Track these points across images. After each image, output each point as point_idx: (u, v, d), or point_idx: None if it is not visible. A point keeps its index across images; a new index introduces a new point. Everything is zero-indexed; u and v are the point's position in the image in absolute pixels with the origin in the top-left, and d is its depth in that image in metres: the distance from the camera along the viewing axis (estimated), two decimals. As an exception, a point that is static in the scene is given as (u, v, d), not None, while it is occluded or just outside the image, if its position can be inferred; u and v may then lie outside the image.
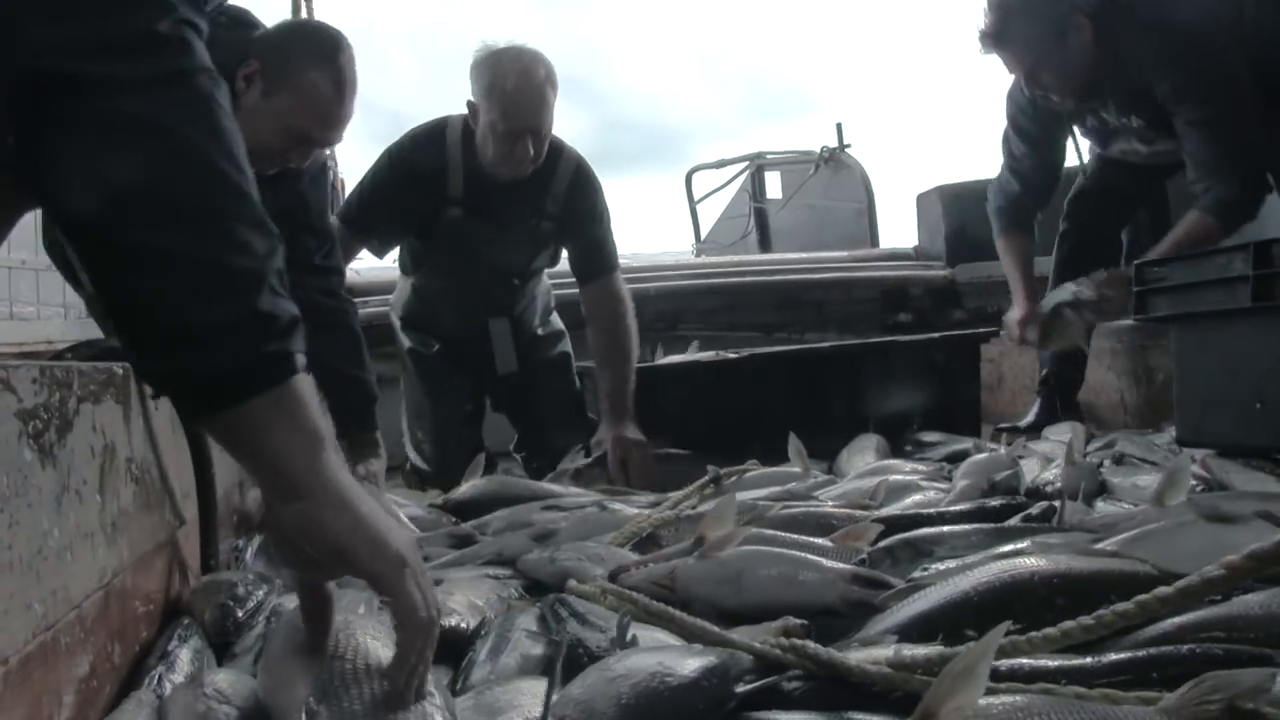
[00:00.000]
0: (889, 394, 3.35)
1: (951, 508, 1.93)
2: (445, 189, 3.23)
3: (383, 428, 2.85)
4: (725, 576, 1.46)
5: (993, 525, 1.71)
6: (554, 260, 3.54)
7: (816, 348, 3.73)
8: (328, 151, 2.79)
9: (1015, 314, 3.33)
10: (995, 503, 1.94)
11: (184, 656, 1.25)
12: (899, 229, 7.24)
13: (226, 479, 1.84)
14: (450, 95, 4.61)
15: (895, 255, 5.96)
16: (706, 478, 2.37)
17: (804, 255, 6.17)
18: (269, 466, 0.99)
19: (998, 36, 3.06)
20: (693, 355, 3.74)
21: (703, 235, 8.98)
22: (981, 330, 3.70)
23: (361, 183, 3.36)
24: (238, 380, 0.95)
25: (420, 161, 3.23)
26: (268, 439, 0.97)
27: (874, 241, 6.87)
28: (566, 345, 3.70)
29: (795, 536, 1.69)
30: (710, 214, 9.00)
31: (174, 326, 0.94)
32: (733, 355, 3.54)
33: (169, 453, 1.47)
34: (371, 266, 4.19)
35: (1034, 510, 1.83)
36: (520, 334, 3.56)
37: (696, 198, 9.03)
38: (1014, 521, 1.77)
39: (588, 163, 3.36)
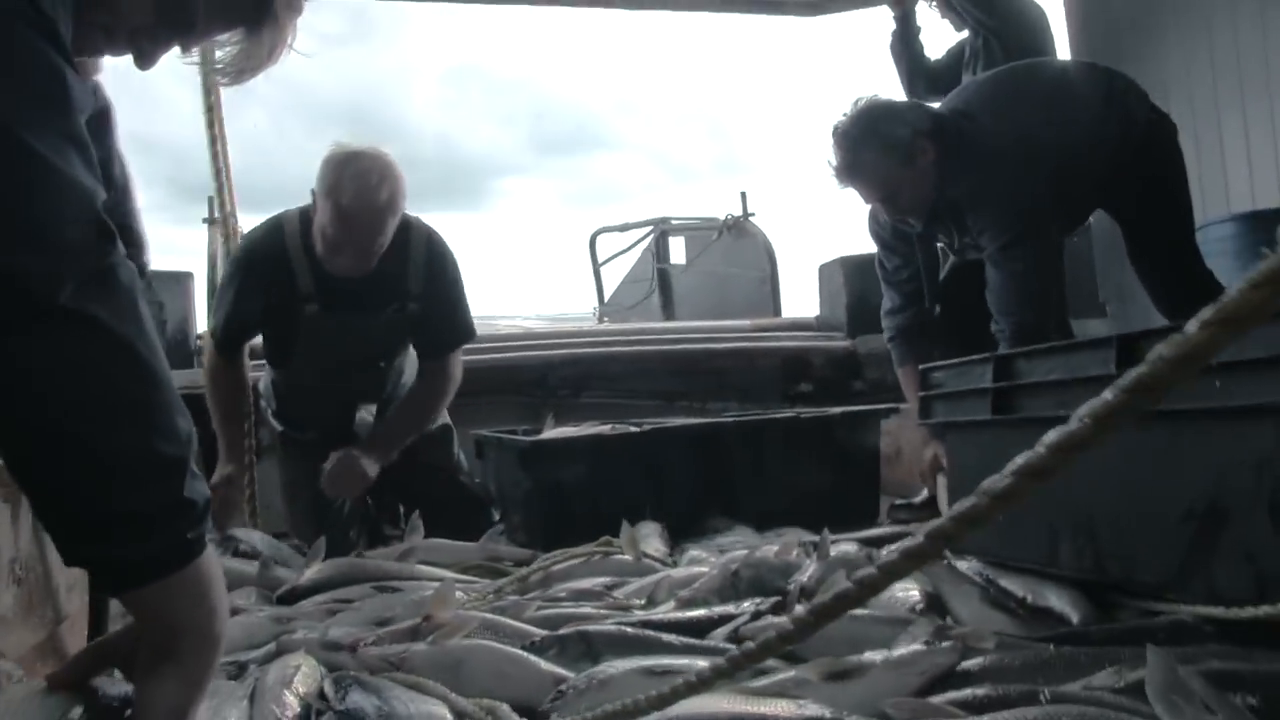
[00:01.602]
0: (790, 468, 3.37)
1: (660, 616, 1.91)
2: (295, 286, 3.17)
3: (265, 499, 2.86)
4: (447, 664, 1.55)
5: (674, 638, 1.70)
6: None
7: (718, 421, 3.74)
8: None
9: (927, 453, 3.36)
10: (714, 611, 1.91)
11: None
12: (801, 298, 7.36)
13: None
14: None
15: (797, 325, 6.04)
16: (525, 571, 2.42)
17: (707, 324, 6.23)
18: (163, 631, 1.04)
19: (850, 170, 3.15)
20: (587, 428, 3.70)
21: (606, 298, 9.03)
22: (882, 406, 3.75)
23: (217, 300, 3.32)
24: (158, 564, 1.01)
25: (263, 264, 3.17)
26: (169, 609, 1.03)
27: (776, 310, 6.98)
28: (445, 417, 3.63)
29: (523, 626, 1.78)
30: (613, 277, 9.08)
31: (103, 514, 0.97)
32: (633, 429, 3.53)
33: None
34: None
35: (741, 622, 1.80)
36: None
37: (600, 260, 9.09)
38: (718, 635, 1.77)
39: (437, 233, 3.35)
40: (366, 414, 3.44)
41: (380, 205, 2.98)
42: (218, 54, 1.41)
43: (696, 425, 3.69)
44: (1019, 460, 0.76)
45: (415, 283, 3.27)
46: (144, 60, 1.30)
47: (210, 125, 3.59)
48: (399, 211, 3.07)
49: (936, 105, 3.41)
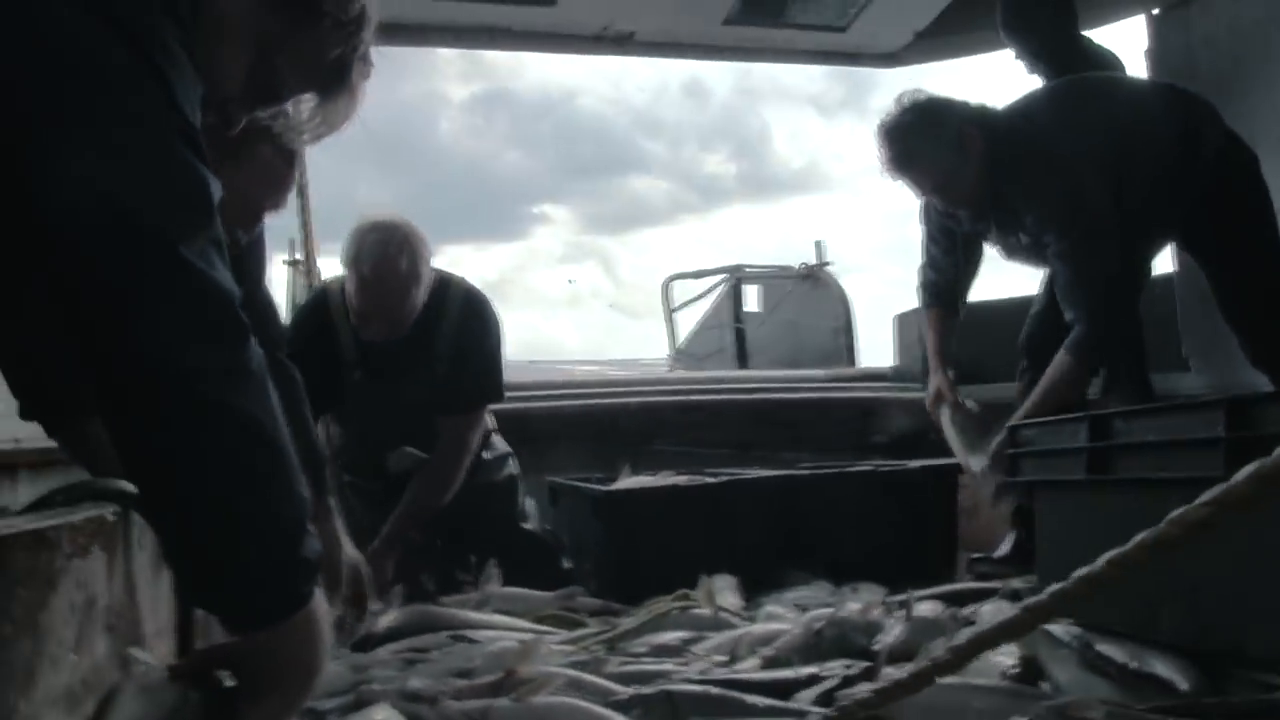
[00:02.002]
0: (866, 522, 3.34)
1: (746, 675, 1.88)
2: (340, 355, 3.25)
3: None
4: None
5: (760, 701, 1.68)
6: None
7: (793, 474, 3.72)
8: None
9: (931, 385, 3.47)
10: (800, 673, 1.88)
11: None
12: (877, 349, 7.31)
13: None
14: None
15: (872, 375, 5.99)
16: (610, 632, 2.39)
17: (781, 373, 6.21)
18: (273, 665, 1.19)
19: (902, 160, 3.16)
20: (662, 478, 3.70)
21: (679, 344, 9.04)
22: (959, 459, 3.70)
23: None
24: (276, 611, 1.16)
25: (311, 338, 3.23)
26: (280, 648, 1.18)
27: (851, 360, 6.93)
28: (513, 467, 3.67)
29: (600, 681, 1.75)
30: (685, 323, 9.09)
31: (232, 567, 1.13)
32: (708, 479, 3.53)
33: (146, 592, 1.44)
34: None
35: (830, 684, 1.77)
36: None
37: (673, 306, 9.11)
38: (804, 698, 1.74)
39: (478, 291, 3.39)
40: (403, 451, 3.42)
41: (401, 274, 3.04)
42: (301, 114, 1.50)
43: (771, 477, 3.67)
44: (1148, 532, 0.76)
45: (446, 343, 3.31)
46: (231, 126, 1.42)
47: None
48: (421, 278, 3.12)
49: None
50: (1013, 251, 3.35)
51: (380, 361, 3.25)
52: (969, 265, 3.55)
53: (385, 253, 3.01)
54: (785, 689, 1.79)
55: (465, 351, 3.34)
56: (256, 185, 2.20)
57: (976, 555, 3.48)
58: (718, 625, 2.42)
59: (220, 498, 1.10)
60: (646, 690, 1.66)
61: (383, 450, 3.40)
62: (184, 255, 1.06)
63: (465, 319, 3.34)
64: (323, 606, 1.22)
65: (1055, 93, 3.39)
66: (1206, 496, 0.74)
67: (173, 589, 1.56)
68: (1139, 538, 0.78)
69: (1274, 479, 0.69)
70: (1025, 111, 3.29)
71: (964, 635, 1.28)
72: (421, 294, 3.14)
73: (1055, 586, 0.84)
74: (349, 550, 2.67)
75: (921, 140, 3.13)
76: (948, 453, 3.56)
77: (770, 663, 1.98)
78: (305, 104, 1.51)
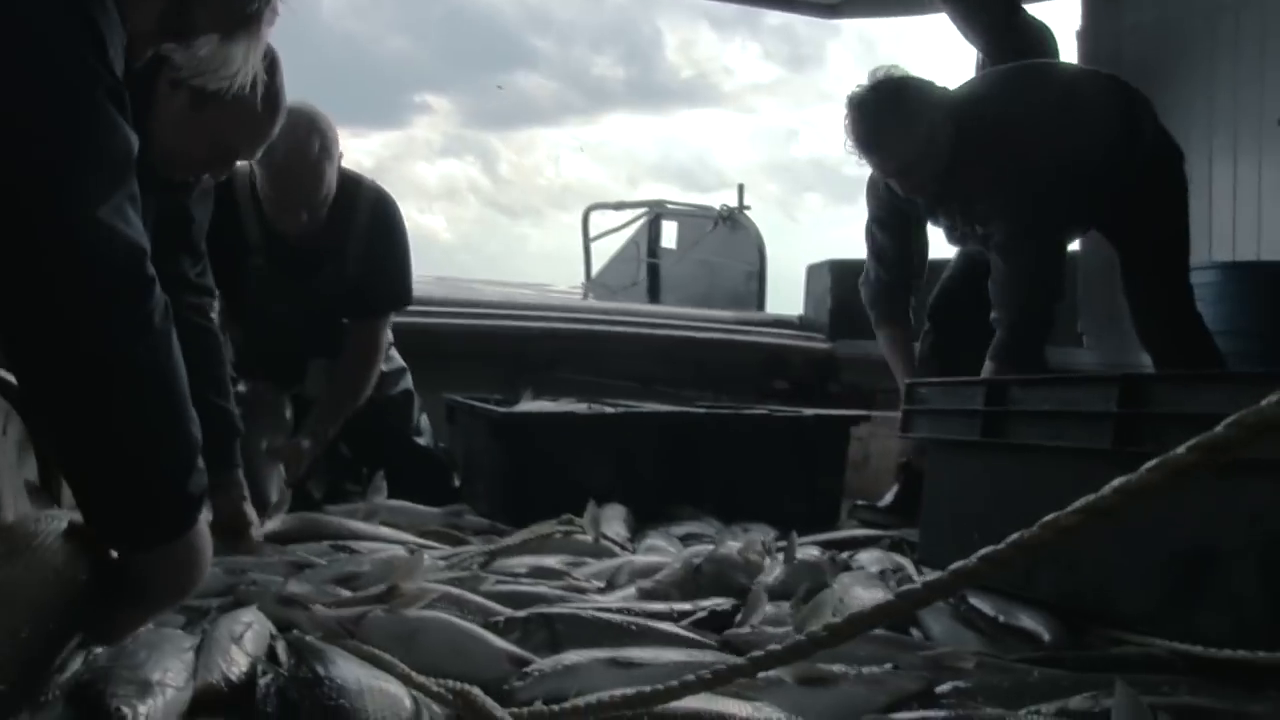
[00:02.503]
0: (757, 464, 3.39)
1: (628, 604, 1.90)
2: (244, 238, 3.15)
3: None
4: (402, 634, 1.54)
5: (632, 621, 1.71)
6: None
7: (691, 411, 3.75)
8: None
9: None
10: (680, 608, 1.91)
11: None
12: (786, 296, 7.39)
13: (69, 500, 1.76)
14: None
15: (780, 322, 6.05)
16: (492, 547, 2.40)
17: (691, 311, 6.24)
18: (151, 580, 1.27)
19: (869, 141, 3.11)
20: (564, 405, 3.70)
21: (593, 274, 9.01)
22: (854, 412, 3.78)
23: None
24: (157, 538, 1.24)
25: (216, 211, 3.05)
26: (161, 569, 1.26)
27: (761, 305, 6.99)
28: (407, 382, 3.63)
29: (480, 600, 1.74)
30: (601, 253, 9.05)
31: (128, 496, 1.21)
32: (608, 409, 3.54)
33: (8, 479, 1.40)
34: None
35: (701, 615, 1.84)
36: None
37: (591, 236, 9.06)
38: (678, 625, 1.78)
39: (387, 193, 3.32)
40: (318, 367, 3.39)
41: (314, 157, 2.96)
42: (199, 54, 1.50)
43: (670, 413, 3.70)
44: (1085, 500, 0.79)
45: (357, 243, 3.25)
46: (136, 60, 1.37)
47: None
48: (335, 159, 3.05)
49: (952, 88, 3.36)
50: (965, 240, 3.37)
51: (286, 253, 3.16)
52: (914, 255, 3.51)
53: (295, 136, 2.87)
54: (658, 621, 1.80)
55: (376, 253, 3.28)
56: (232, 131, 2.18)
57: (861, 503, 3.55)
58: (598, 553, 2.45)
59: (114, 436, 1.18)
60: (524, 613, 1.66)
61: (285, 353, 3.32)
62: (98, 215, 1.11)
63: (376, 219, 3.27)
64: (204, 538, 1.30)
65: (1013, 79, 3.38)
66: (1111, 486, 0.76)
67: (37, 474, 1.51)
68: (1044, 521, 0.80)
69: (1213, 450, 0.72)
70: (987, 98, 3.28)
71: (856, 604, 1.28)
72: (334, 177, 3.06)
73: (957, 565, 0.86)
74: (253, 519, 2.54)
75: (892, 123, 3.08)
76: (844, 403, 3.63)
77: (647, 594, 2.00)
78: (205, 44, 1.48)
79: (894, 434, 3.72)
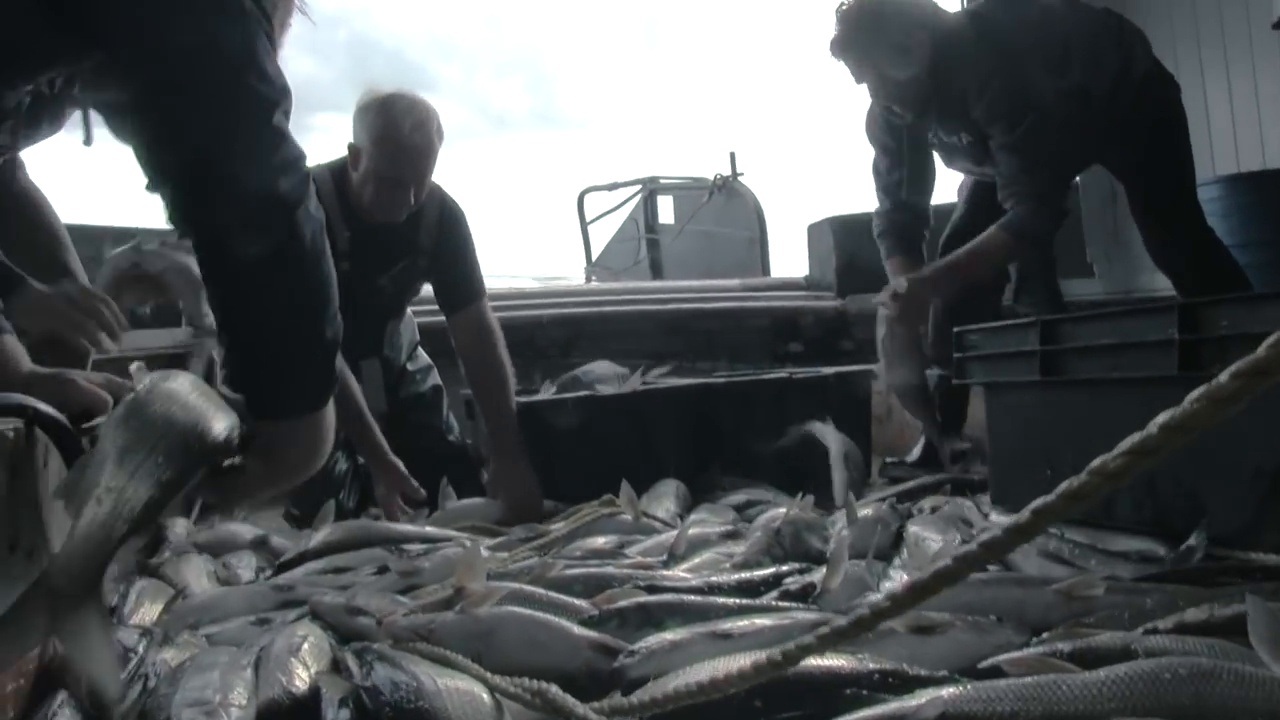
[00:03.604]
0: (783, 428, 3.38)
1: (716, 578, 1.87)
2: (334, 245, 3.14)
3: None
4: (477, 634, 1.50)
5: (732, 601, 1.66)
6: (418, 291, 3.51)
7: (710, 382, 3.74)
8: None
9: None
10: (762, 574, 1.88)
11: (59, 740, 1.18)
12: (790, 259, 7.38)
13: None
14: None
15: (786, 285, 6.04)
16: (538, 540, 2.40)
17: (696, 283, 6.22)
18: (275, 442, 1.51)
19: (845, 45, 3.21)
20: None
21: (594, 257, 8.99)
22: (873, 366, 3.75)
23: None
24: (305, 406, 1.53)
25: None
26: (294, 434, 1.53)
27: (765, 270, 6.98)
28: (436, 379, 3.66)
29: (559, 597, 1.69)
30: (601, 235, 9.04)
31: (290, 369, 1.51)
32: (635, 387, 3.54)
33: (52, 512, 1.39)
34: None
35: (792, 585, 1.78)
36: (388, 371, 3.51)
37: (588, 219, 9.04)
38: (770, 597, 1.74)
39: (449, 193, 3.35)
40: (370, 369, 3.42)
41: (432, 133, 3.05)
42: None
43: (688, 386, 3.68)
44: (1133, 439, 0.76)
45: (427, 237, 3.27)
46: None
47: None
48: (443, 139, 3.12)
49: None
50: (953, 154, 3.39)
51: (367, 251, 3.18)
52: (921, 181, 3.51)
53: (417, 116, 3.00)
54: (752, 591, 1.78)
55: (451, 245, 3.32)
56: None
57: (890, 459, 3.55)
58: (642, 530, 2.43)
59: (294, 309, 1.48)
60: (622, 604, 1.61)
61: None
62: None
63: (445, 212, 3.31)
64: (331, 421, 1.57)
65: (1006, 5, 3.38)
66: (1190, 398, 0.74)
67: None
68: (1125, 444, 0.78)
69: (1256, 375, 0.70)
70: (976, 12, 3.35)
71: (930, 550, 1.26)
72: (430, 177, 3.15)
73: (1038, 503, 0.84)
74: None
75: (867, 31, 3.17)
76: (859, 360, 3.61)
77: (740, 566, 1.98)
78: None
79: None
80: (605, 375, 3.63)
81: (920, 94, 3.20)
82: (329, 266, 1.52)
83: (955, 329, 2.68)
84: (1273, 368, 0.72)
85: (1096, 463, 0.80)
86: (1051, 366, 2.24)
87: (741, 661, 1.09)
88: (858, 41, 3.19)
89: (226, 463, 1.45)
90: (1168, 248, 3.39)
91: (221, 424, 1.34)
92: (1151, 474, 1.90)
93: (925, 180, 3.54)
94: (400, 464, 3.05)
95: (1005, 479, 2.51)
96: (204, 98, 1.36)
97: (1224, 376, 0.73)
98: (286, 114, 1.44)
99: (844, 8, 3.21)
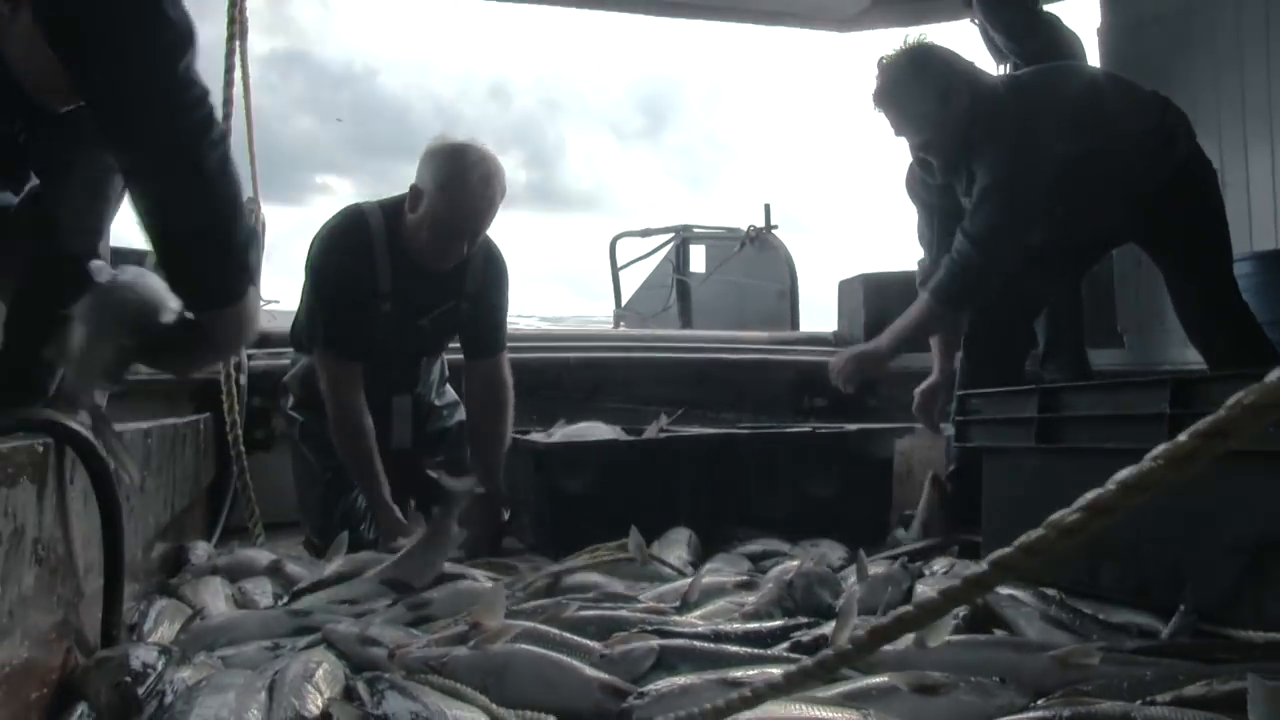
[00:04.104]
0: (803, 483, 3.38)
1: (727, 627, 1.90)
2: (376, 284, 3.22)
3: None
4: (489, 669, 1.52)
5: (743, 650, 1.71)
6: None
7: (733, 432, 3.75)
8: None
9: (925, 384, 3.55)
10: (771, 625, 1.91)
11: (76, 751, 1.20)
12: (820, 313, 7.38)
13: (132, 546, 1.79)
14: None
15: (814, 339, 6.04)
16: (544, 574, 2.42)
17: (725, 333, 6.24)
18: (219, 332, 1.90)
19: (884, 95, 3.26)
20: (591, 426, 3.72)
21: (624, 302, 9.03)
22: (896, 425, 3.76)
23: (313, 306, 3.29)
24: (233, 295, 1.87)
25: (352, 261, 3.20)
26: (218, 323, 1.89)
27: (794, 323, 6.98)
28: (461, 414, 3.67)
29: (571, 637, 1.71)
30: (631, 281, 9.08)
31: (215, 264, 1.84)
32: (653, 435, 3.55)
33: (78, 526, 1.42)
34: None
35: (803, 638, 1.80)
36: (418, 407, 3.55)
37: (620, 264, 9.08)
38: (780, 648, 1.77)
39: (493, 241, 3.40)
40: (401, 405, 3.47)
41: (496, 189, 3.10)
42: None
43: (711, 435, 3.70)
44: (1088, 496, 0.80)
45: (472, 283, 3.33)
46: None
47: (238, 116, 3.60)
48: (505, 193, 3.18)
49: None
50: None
51: (411, 291, 3.24)
52: (944, 214, 3.50)
53: (484, 174, 3.06)
54: (761, 642, 1.81)
55: (488, 295, 3.40)
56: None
57: (908, 513, 3.53)
58: (649, 576, 2.44)
59: (206, 212, 1.77)
60: (635, 645, 1.64)
61: (372, 389, 3.30)
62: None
63: (488, 262, 3.38)
64: (253, 307, 1.93)
65: (1042, 73, 3.46)
66: (1149, 457, 0.76)
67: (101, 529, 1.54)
68: (1079, 502, 0.80)
69: (1213, 436, 0.72)
70: (1016, 77, 3.42)
71: (920, 597, 1.29)
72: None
73: (995, 555, 0.86)
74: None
75: (907, 82, 3.22)
76: (883, 418, 3.62)
77: (750, 616, 2.00)
78: None
79: (934, 446, 3.72)
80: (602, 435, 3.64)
81: (954, 148, 3.23)
82: (235, 187, 1.83)
83: (958, 393, 2.73)
84: (1231, 429, 0.73)
85: (1055, 517, 0.83)
86: (1048, 434, 2.30)
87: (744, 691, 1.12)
88: (899, 92, 3.24)
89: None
90: (1205, 325, 3.37)
91: (165, 307, 1.75)
92: (1137, 543, 1.95)
93: (948, 222, 3.49)
94: (398, 511, 3.08)
95: (998, 540, 2.49)
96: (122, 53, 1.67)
97: (1183, 437, 0.75)
98: (193, 57, 1.72)
99: (886, 60, 3.26)
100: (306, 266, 3.30)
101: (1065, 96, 3.25)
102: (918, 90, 3.21)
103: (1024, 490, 2.41)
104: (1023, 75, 3.49)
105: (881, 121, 3.33)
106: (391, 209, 3.22)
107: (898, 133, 3.35)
